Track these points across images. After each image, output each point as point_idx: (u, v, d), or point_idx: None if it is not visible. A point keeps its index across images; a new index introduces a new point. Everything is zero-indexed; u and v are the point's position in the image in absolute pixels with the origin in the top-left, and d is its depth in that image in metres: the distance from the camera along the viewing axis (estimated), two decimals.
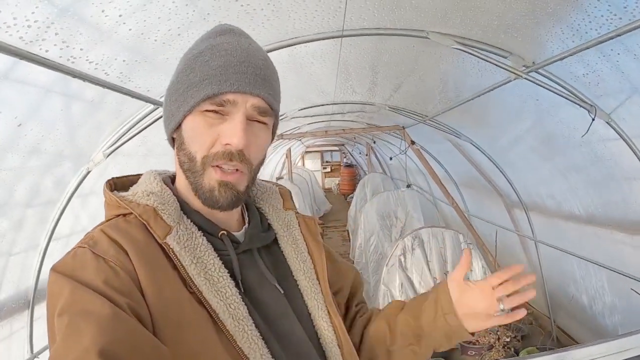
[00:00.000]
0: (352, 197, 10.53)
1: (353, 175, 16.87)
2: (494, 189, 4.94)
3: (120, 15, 1.46)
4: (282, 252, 0.92)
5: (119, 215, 0.77)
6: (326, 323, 0.88)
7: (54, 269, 0.67)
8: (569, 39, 2.09)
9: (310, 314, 0.89)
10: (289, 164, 11.17)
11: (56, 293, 0.64)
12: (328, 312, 0.90)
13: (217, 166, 0.76)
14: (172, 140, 0.84)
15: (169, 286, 0.70)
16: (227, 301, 0.73)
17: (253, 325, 0.75)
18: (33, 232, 2.15)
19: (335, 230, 10.96)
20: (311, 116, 6.19)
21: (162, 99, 2.31)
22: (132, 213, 0.76)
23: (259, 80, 0.76)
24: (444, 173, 6.40)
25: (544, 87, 2.45)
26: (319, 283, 0.91)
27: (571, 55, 2.05)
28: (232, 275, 0.78)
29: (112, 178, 0.85)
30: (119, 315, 0.61)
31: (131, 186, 0.83)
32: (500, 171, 4.43)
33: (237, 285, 0.77)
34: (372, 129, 6.68)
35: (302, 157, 22.09)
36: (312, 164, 22.55)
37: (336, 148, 21.94)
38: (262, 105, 0.77)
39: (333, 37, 2.53)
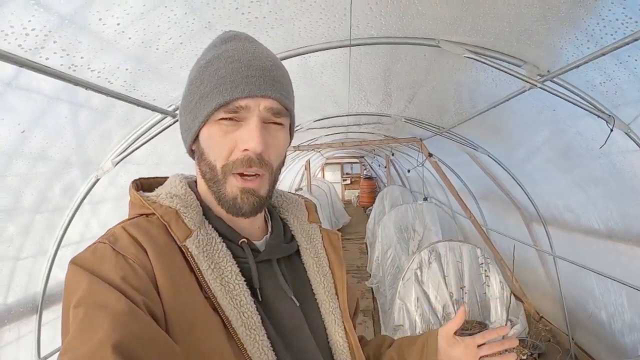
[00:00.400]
0: (372, 210, 10.49)
1: (373, 188, 16.78)
2: (511, 202, 4.85)
3: (118, 24, 1.49)
4: (303, 264, 0.92)
5: (141, 215, 0.78)
6: (342, 339, 0.88)
7: (73, 262, 0.68)
8: (584, 45, 2.02)
9: (325, 329, 0.88)
10: (308, 176, 11.21)
11: (74, 285, 0.65)
12: (344, 328, 0.89)
13: (238, 174, 0.76)
14: (192, 153, 0.84)
15: (185, 289, 0.70)
16: (241, 309, 0.73)
17: (265, 335, 0.74)
18: (42, 238, 2.19)
19: (353, 242, 10.90)
20: (328, 127, 6.21)
21: (169, 108, 2.34)
22: (154, 214, 0.77)
23: (269, 82, 0.76)
24: (462, 186, 6.32)
25: (560, 97, 2.36)
26: (338, 298, 0.91)
27: (586, 62, 1.97)
28: (249, 284, 0.77)
29: (139, 178, 0.86)
30: (135, 312, 0.61)
31: (157, 187, 0.84)
32: (518, 184, 4.35)
33: (253, 294, 0.77)
34: (389, 141, 6.65)
35: (322, 169, 22.18)
36: (332, 176, 22.65)
37: (356, 160, 21.97)
38: (275, 106, 0.77)
39: (341, 47, 2.53)
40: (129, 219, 0.78)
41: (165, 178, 0.88)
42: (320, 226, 1.00)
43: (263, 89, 0.75)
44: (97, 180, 2.45)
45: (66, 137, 1.99)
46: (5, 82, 1.43)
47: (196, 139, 0.80)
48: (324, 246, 0.96)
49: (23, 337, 2.12)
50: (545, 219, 4.29)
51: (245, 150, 0.75)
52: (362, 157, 19.90)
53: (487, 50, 2.36)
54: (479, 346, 0.98)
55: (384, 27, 2.31)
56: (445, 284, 4.62)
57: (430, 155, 5.27)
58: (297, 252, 0.93)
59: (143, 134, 2.54)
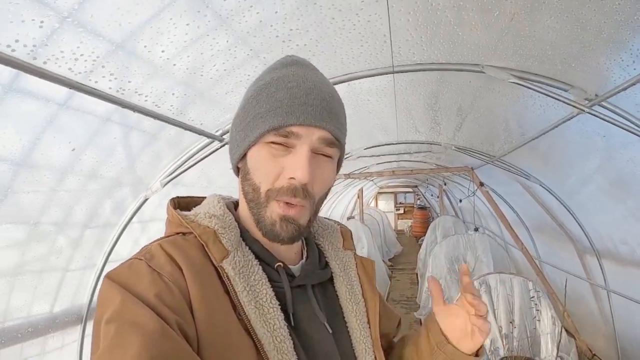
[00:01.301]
0: (424, 240, 10.31)
1: (426, 218, 16.48)
2: (565, 233, 4.63)
3: (163, 51, 1.59)
4: (335, 291, 0.92)
5: (178, 233, 0.78)
6: None
7: (108, 277, 0.68)
8: (630, 67, 1.92)
9: (356, 357, 0.87)
10: (360, 204, 11.15)
11: (107, 300, 0.65)
12: (375, 357, 0.88)
13: (282, 201, 0.76)
14: (237, 170, 0.85)
15: (219, 309, 0.70)
16: (274, 333, 0.72)
17: None
18: (90, 252, 2.31)
19: (404, 272, 10.70)
20: (378, 155, 6.19)
21: (217, 133, 2.43)
22: (192, 233, 0.77)
23: (325, 113, 0.76)
24: (515, 216, 6.10)
25: (609, 122, 2.25)
26: (369, 327, 0.90)
27: (634, 84, 1.87)
28: (283, 309, 0.77)
29: (177, 197, 0.87)
30: (167, 332, 0.61)
31: (194, 207, 0.85)
32: (571, 214, 4.16)
33: (286, 319, 0.76)
34: (440, 170, 6.54)
35: (376, 198, 22.07)
36: (386, 205, 22.54)
37: (409, 189, 21.74)
38: (328, 137, 0.77)
39: (384, 73, 2.55)
40: (165, 237, 0.78)
41: (203, 198, 0.88)
42: (355, 253, 0.99)
43: (318, 119, 0.75)
44: (146, 199, 2.56)
45: (117, 156, 2.11)
46: (59, 103, 1.54)
47: (244, 157, 0.81)
48: (357, 274, 0.95)
49: (67, 346, 2.22)
50: (599, 252, 4.07)
51: (291, 178, 0.75)
52: (416, 186, 19.66)
53: (532, 74, 2.29)
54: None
55: (426, 54, 2.31)
56: (495, 317, 4.44)
57: (481, 184, 5.12)
58: (331, 279, 0.92)
59: (191, 157, 2.64)
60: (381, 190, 21.22)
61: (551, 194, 4.28)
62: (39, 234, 1.88)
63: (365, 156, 5.80)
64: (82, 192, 2.04)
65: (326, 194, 0.84)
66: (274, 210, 0.76)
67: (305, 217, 0.79)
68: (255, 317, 0.72)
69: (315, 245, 0.95)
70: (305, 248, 0.92)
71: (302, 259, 0.89)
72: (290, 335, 0.75)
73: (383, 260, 10.55)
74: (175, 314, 0.64)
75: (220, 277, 0.73)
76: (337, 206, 12.10)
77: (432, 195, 16.07)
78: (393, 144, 5.25)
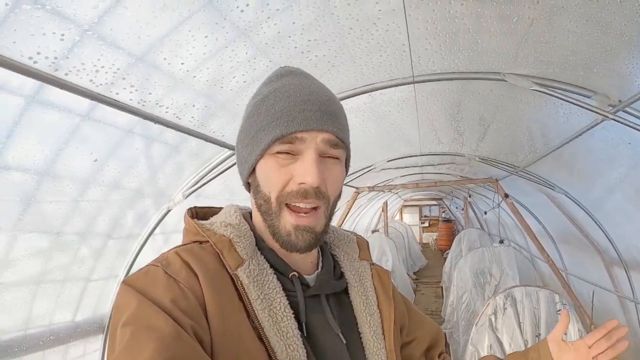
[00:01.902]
0: (448, 253, 10.18)
1: (451, 231, 16.29)
2: (591, 244, 4.50)
3: (182, 63, 1.61)
4: (350, 302, 0.91)
5: (195, 242, 0.80)
6: None
7: (124, 282, 0.70)
8: None
9: None
10: (385, 217, 11.08)
11: (123, 305, 0.67)
12: None
13: (293, 210, 0.77)
14: (248, 185, 0.86)
15: (233, 316, 0.71)
16: (287, 341, 0.73)
17: None
18: (113, 263, 2.34)
19: (429, 286, 10.57)
20: (402, 168, 6.15)
21: None
22: (208, 241, 0.78)
23: (325, 116, 0.77)
24: (540, 228, 5.96)
25: (634, 128, 2.17)
26: (384, 338, 0.89)
27: None
28: (297, 318, 0.77)
29: (195, 207, 0.89)
30: (182, 335, 0.62)
31: (211, 217, 0.86)
32: (598, 225, 4.04)
33: (300, 328, 0.76)
34: (464, 181, 6.46)
35: (400, 211, 21.91)
36: (411, 218, 22.38)
37: (434, 202, 21.54)
38: (331, 139, 0.78)
39: (405, 84, 2.53)
40: (182, 245, 0.80)
41: (220, 208, 0.90)
42: (372, 263, 0.99)
43: (319, 123, 0.76)
44: (169, 211, 2.59)
45: (139, 168, 2.14)
46: (81, 114, 1.58)
47: (252, 172, 0.82)
48: (373, 284, 0.94)
49: (88, 355, 2.25)
50: (626, 263, 3.95)
51: (302, 183, 0.75)
52: (441, 199, 19.45)
53: (554, 81, 2.24)
54: (589, 347, 1.00)
55: (446, 63, 2.28)
56: (521, 331, 4.34)
57: (506, 196, 5.03)
58: (346, 290, 0.92)
59: (213, 169, 2.66)
60: (406, 203, 21.10)
61: (576, 204, 4.19)
62: (61, 244, 1.92)
63: (389, 168, 5.77)
64: (105, 203, 2.07)
65: (339, 196, 0.84)
66: (287, 221, 0.77)
67: (320, 223, 0.80)
68: (269, 325, 0.72)
69: (331, 255, 0.95)
70: (321, 258, 0.91)
71: (317, 269, 0.89)
72: (303, 344, 0.75)
73: (408, 274, 10.43)
74: (190, 319, 0.65)
75: (235, 285, 0.74)
76: (361, 219, 12.05)
77: (457, 207, 15.89)
78: (416, 155, 5.22)
